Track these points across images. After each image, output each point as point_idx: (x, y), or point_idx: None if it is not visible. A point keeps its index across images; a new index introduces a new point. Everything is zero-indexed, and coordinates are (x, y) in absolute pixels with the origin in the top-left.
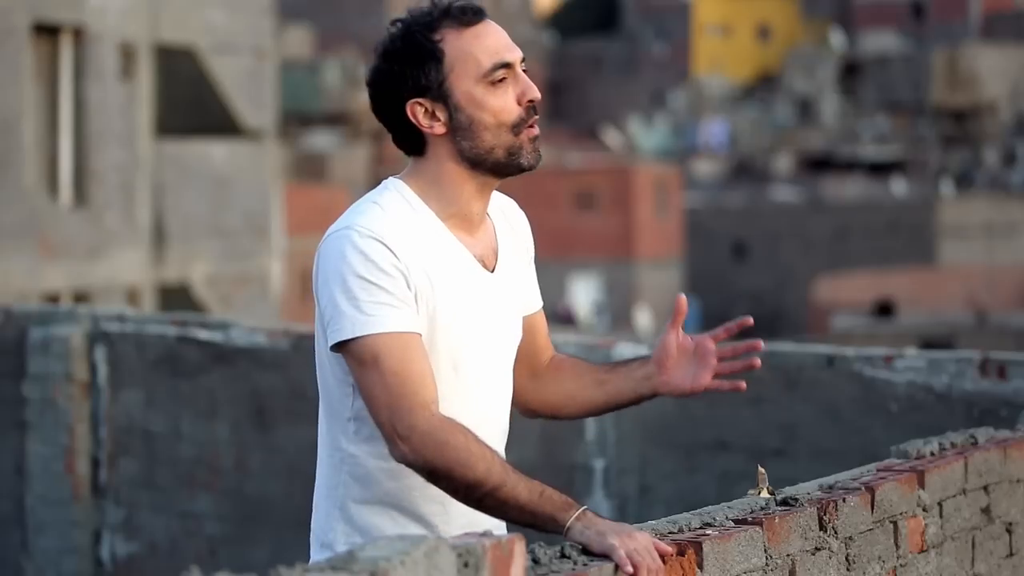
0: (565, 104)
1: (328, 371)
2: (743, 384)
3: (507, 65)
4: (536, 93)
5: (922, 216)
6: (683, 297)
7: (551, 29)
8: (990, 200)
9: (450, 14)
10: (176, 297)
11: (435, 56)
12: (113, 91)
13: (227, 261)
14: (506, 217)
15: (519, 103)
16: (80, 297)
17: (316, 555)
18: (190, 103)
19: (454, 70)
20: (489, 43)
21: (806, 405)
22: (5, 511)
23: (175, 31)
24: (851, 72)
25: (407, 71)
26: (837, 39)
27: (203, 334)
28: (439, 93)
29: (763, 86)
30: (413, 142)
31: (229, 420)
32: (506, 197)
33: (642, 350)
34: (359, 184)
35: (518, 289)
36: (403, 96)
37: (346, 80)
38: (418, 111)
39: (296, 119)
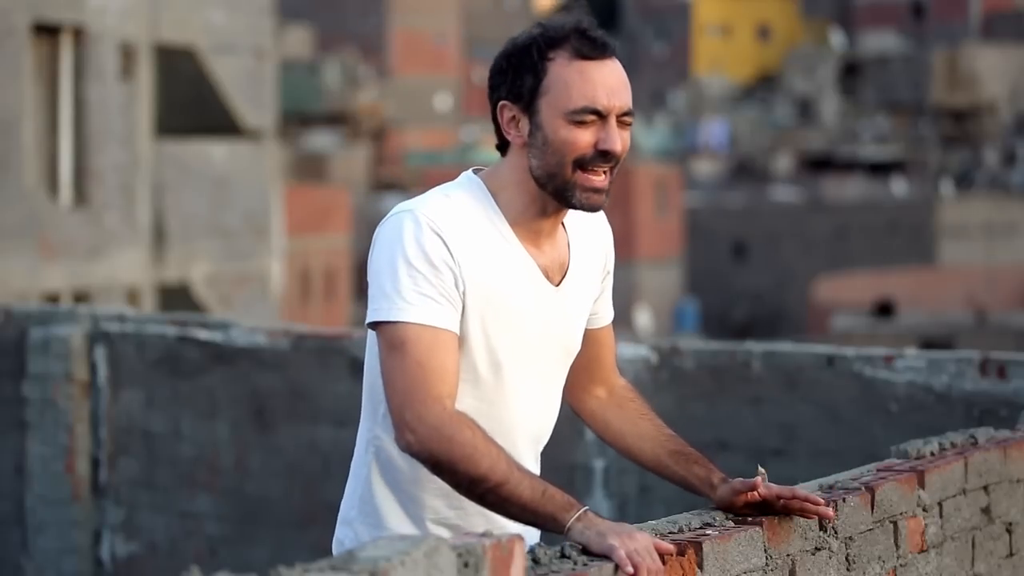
0: None
1: (373, 351)
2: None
3: (597, 112)
4: (614, 146)
5: (922, 216)
6: (762, 478)
7: None
8: (990, 200)
9: (575, 39)
10: (176, 297)
11: (536, 73)
12: (113, 91)
13: (227, 261)
14: (589, 229)
15: (594, 146)
16: (80, 297)
17: (338, 530)
18: (190, 103)
19: (548, 93)
20: (590, 84)
21: (806, 405)
22: (5, 511)
23: (175, 31)
24: (851, 72)
25: (510, 73)
26: (837, 39)
27: (203, 334)
28: (528, 106)
29: (763, 86)
30: (501, 140)
31: (229, 420)
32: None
33: (642, 350)
34: (359, 184)
35: (583, 304)
36: (500, 94)
37: (346, 80)
38: (505, 113)
39: (296, 119)
